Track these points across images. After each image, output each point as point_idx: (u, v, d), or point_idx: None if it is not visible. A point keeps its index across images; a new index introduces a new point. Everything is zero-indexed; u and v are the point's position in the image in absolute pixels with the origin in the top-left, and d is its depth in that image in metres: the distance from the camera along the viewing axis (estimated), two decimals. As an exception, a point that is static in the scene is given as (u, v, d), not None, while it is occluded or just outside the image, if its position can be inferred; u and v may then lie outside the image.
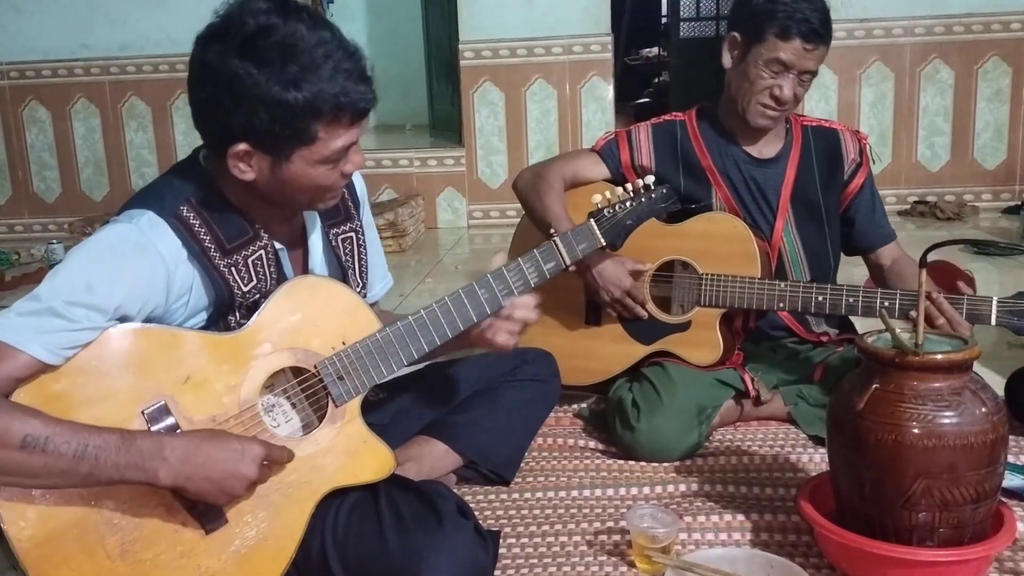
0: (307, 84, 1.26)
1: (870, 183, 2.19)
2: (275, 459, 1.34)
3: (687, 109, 2.24)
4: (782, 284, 2.02)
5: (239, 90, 1.26)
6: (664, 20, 8.15)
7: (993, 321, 1.89)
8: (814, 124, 2.21)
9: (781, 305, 2.03)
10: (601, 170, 2.21)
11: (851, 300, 1.97)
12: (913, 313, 1.85)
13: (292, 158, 1.32)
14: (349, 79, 1.28)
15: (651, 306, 2.14)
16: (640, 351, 2.16)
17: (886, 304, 1.93)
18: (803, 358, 2.21)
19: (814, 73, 2.03)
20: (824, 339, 2.21)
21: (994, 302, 1.89)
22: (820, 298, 1.99)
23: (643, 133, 2.20)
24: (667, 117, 2.24)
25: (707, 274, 2.07)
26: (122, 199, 1.41)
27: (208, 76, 1.28)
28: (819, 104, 4.66)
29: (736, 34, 2.06)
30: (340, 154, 1.35)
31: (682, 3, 7.08)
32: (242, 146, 1.31)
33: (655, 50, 8.43)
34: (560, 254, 1.59)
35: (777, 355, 2.23)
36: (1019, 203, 4.49)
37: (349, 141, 1.34)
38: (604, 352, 2.19)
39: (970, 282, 2.86)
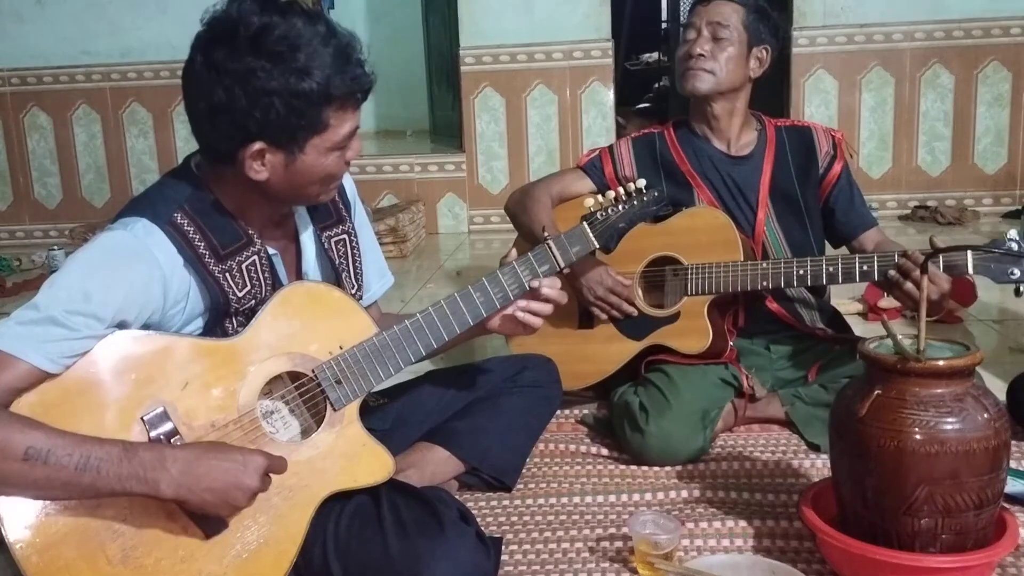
0: (316, 72, 1.30)
1: (846, 173, 2.25)
2: (276, 469, 1.34)
3: (665, 123, 2.34)
4: (763, 263, 2.08)
5: (256, 87, 1.29)
6: (664, 25, 8.16)
7: (970, 269, 1.91)
8: (787, 124, 2.30)
9: (765, 284, 2.07)
10: (587, 184, 2.30)
11: (831, 269, 2.01)
12: (892, 272, 1.93)
13: (306, 148, 1.36)
14: (350, 64, 1.34)
15: (641, 303, 2.18)
16: (633, 347, 2.18)
17: (864, 268, 1.98)
18: (798, 356, 2.23)
19: (728, 31, 2.13)
20: (819, 333, 2.23)
21: (969, 253, 1.90)
22: (801, 271, 2.04)
23: (624, 147, 2.31)
24: (645, 131, 2.35)
25: (692, 264, 2.11)
26: (123, 205, 1.42)
27: (220, 78, 1.30)
28: (819, 109, 4.66)
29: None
30: (347, 140, 1.40)
31: (682, 8, 7.10)
32: (257, 145, 1.33)
33: (655, 55, 8.43)
34: (554, 256, 1.60)
35: (772, 353, 2.25)
36: (1020, 207, 4.50)
37: (354, 126, 1.39)
38: (598, 353, 2.22)
39: (970, 286, 2.87)
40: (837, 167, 2.23)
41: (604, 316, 2.20)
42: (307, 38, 1.30)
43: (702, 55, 2.14)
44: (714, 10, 2.16)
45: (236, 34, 1.29)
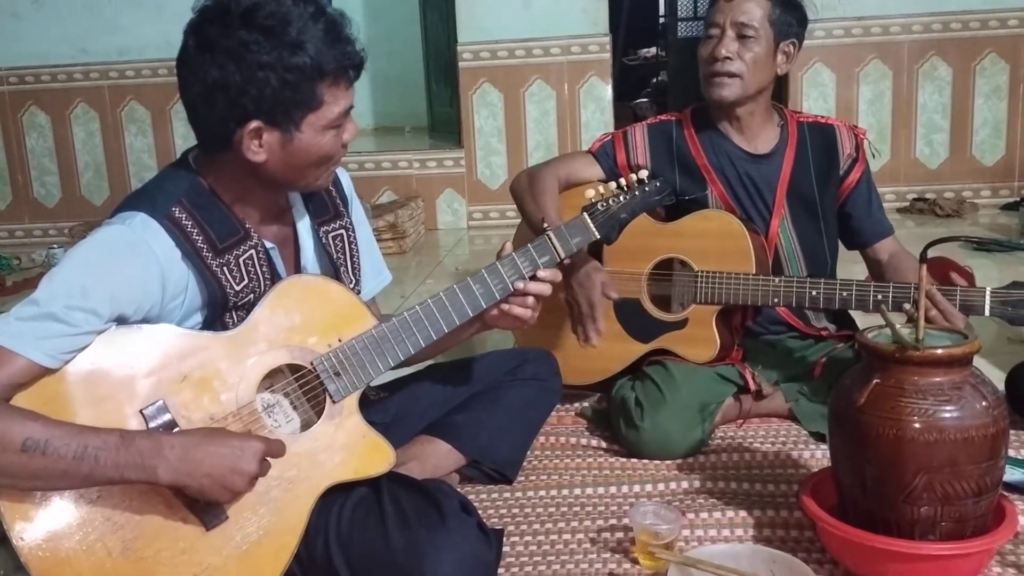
0: (309, 46, 1.32)
1: (867, 178, 2.19)
2: (274, 454, 1.35)
3: (683, 110, 2.25)
4: (776, 280, 2.03)
5: (250, 61, 1.30)
6: (662, 20, 8.17)
7: (987, 312, 1.88)
8: (810, 120, 2.21)
9: (776, 301, 2.03)
10: (596, 171, 2.22)
11: (844, 294, 1.98)
12: (907, 306, 1.87)
13: (302, 126, 1.37)
14: (340, 40, 1.36)
15: (648, 304, 2.15)
16: (638, 349, 2.16)
17: (879, 297, 1.94)
18: (803, 354, 2.21)
19: (755, 29, 2.03)
20: (824, 333, 2.21)
21: (987, 292, 1.89)
22: (814, 292, 2.00)
23: (639, 133, 2.22)
24: (662, 117, 2.26)
25: (703, 271, 2.07)
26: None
27: (213, 57, 1.32)
28: (817, 102, 4.65)
29: None
30: (342, 118, 1.40)
31: (680, 3, 7.11)
32: (254, 124, 1.34)
33: (653, 50, 8.43)
34: (554, 247, 1.59)
35: (777, 351, 2.23)
36: (1018, 199, 4.49)
37: (348, 104, 1.40)
38: (603, 351, 2.17)
39: (969, 278, 2.86)
40: (858, 171, 2.16)
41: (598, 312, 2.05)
42: (297, 14, 1.32)
43: (728, 57, 2.03)
44: (737, 8, 2.03)
45: (227, 11, 1.32)
